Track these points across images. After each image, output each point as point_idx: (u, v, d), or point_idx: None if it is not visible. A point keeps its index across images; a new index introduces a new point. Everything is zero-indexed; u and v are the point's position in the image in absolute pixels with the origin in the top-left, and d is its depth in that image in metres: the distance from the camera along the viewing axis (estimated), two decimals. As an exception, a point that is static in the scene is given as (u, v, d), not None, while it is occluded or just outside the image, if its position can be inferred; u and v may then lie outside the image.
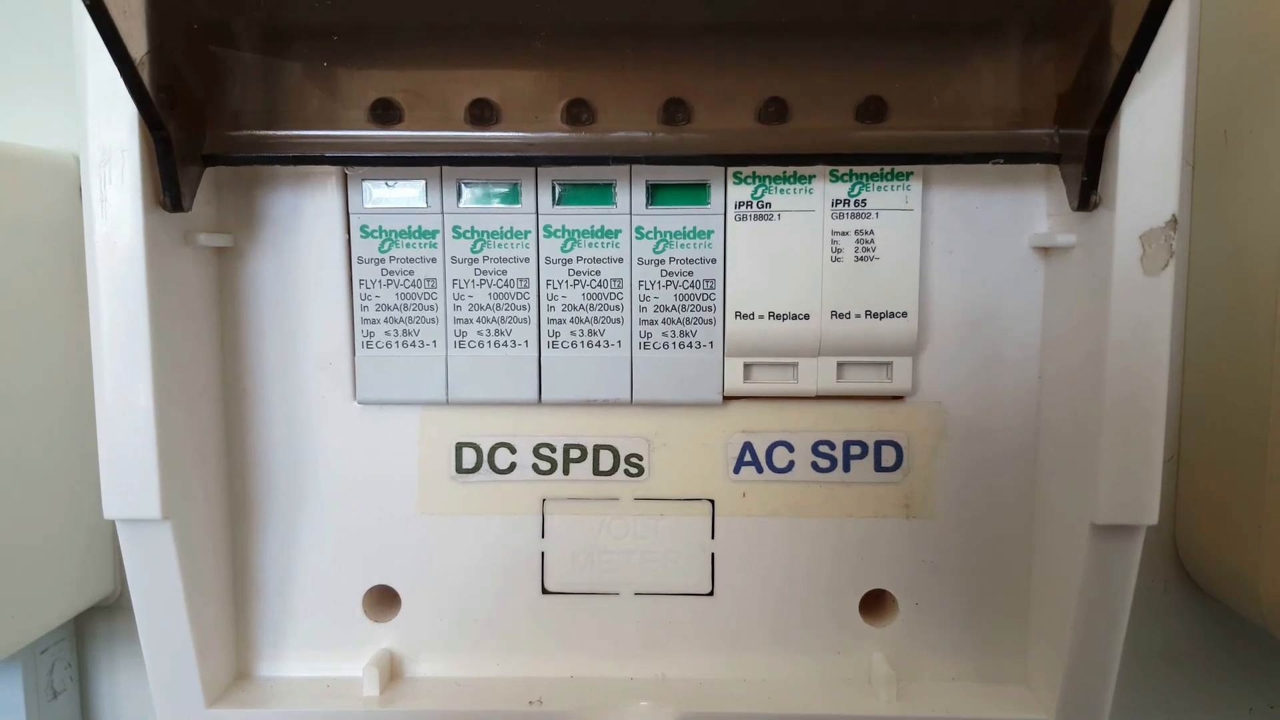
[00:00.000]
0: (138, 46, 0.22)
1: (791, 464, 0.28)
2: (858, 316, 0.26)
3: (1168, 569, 0.40)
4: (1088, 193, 0.23)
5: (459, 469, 0.28)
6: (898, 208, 0.26)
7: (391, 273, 0.27)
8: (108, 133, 0.23)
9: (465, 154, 0.25)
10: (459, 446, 0.28)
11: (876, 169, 0.26)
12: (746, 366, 0.27)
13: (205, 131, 0.25)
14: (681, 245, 0.26)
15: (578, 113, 0.25)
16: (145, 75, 0.22)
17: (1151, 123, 0.23)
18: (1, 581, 0.33)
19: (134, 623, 0.41)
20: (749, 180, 0.26)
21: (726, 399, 0.28)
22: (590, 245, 0.27)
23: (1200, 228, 0.37)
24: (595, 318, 0.27)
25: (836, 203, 0.26)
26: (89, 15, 0.21)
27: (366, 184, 0.26)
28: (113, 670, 0.42)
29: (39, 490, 0.35)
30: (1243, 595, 0.35)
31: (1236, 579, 0.36)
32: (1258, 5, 0.33)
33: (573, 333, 0.27)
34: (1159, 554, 0.40)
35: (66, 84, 0.38)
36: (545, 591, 0.28)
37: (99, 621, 0.42)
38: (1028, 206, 0.26)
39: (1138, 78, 0.22)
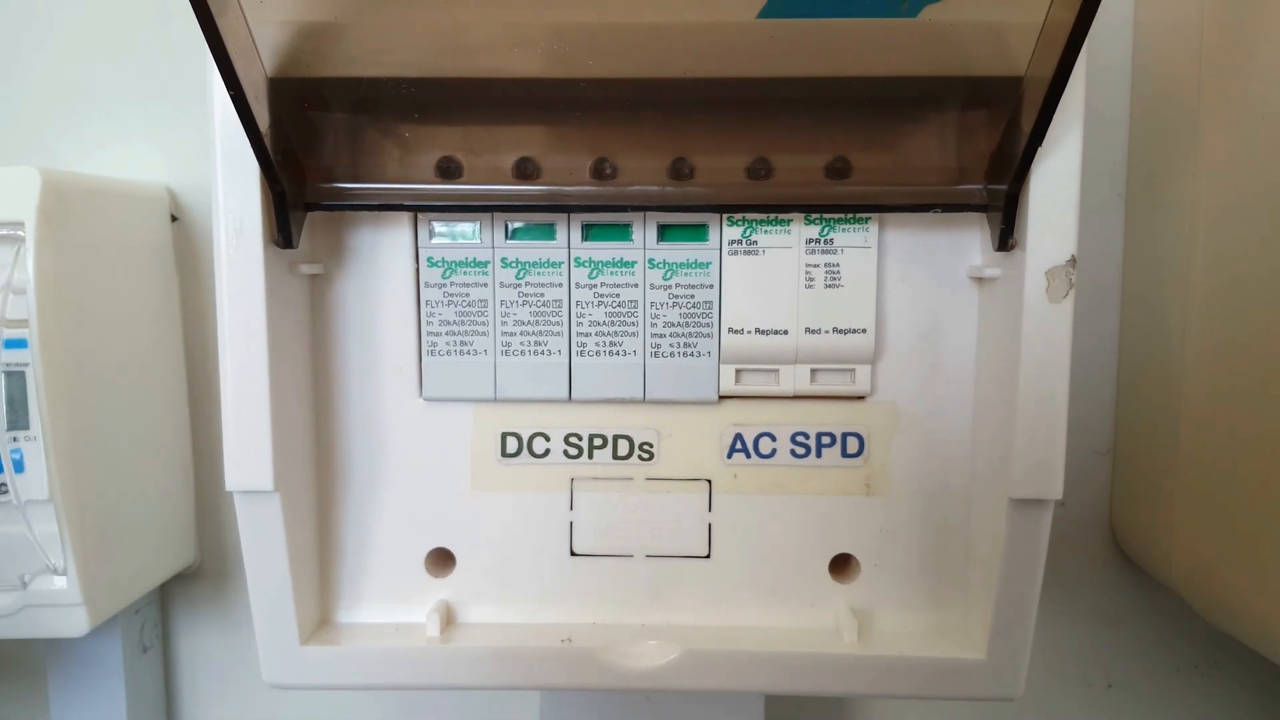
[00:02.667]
0: (263, 122, 0.28)
1: (774, 451, 0.34)
2: (826, 332, 0.32)
3: (1106, 546, 0.46)
4: (1006, 237, 0.29)
5: (504, 454, 0.34)
6: (858, 246, 0.32)
7: (451, 295, 0.33)
8: (237, 188, 0.29)
9: (512, 203, 0.31)
10: (504, 435, 0.34)
11: (841, 215, 0.32)
12: (737, 372, 0.33)
13: (306, 184, 0.31)
14: (685, 274, 0.33)
15: (602, 169, 0.31)
16: (267, 144, 0.29)
17: (1054, 183, 0.29)
18: (110, 556, 0.39)
19: (209, 588, 0.48)
20: (740, 223, 0.32)
21: (721, 398, 0.33)
22: (611, 274, 0.33)
23: (1130, 253, 0.43)
24: (615, 332, 0.33)
25: (809, 241, 0.32)
26: (231, 103, 0.27)
27: (433, 224, 0.33)
28: (192, 629, 0.49)
29: (138, 480, 0.42)
30: (1163, 568, 0.41)
31: (1158, 555, 0.42)
32: (1168, 72, 0.40)
33: (597, 344, 0.33)
34: (1098, 533, 0.46)
35: (157, 127, 0.44)
36: (573, 554, 0.34)
37: (180, 588, 0.48)
38: (964, 245, 0.32)
39: (1041, 149, 0.28)
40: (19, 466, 0.37)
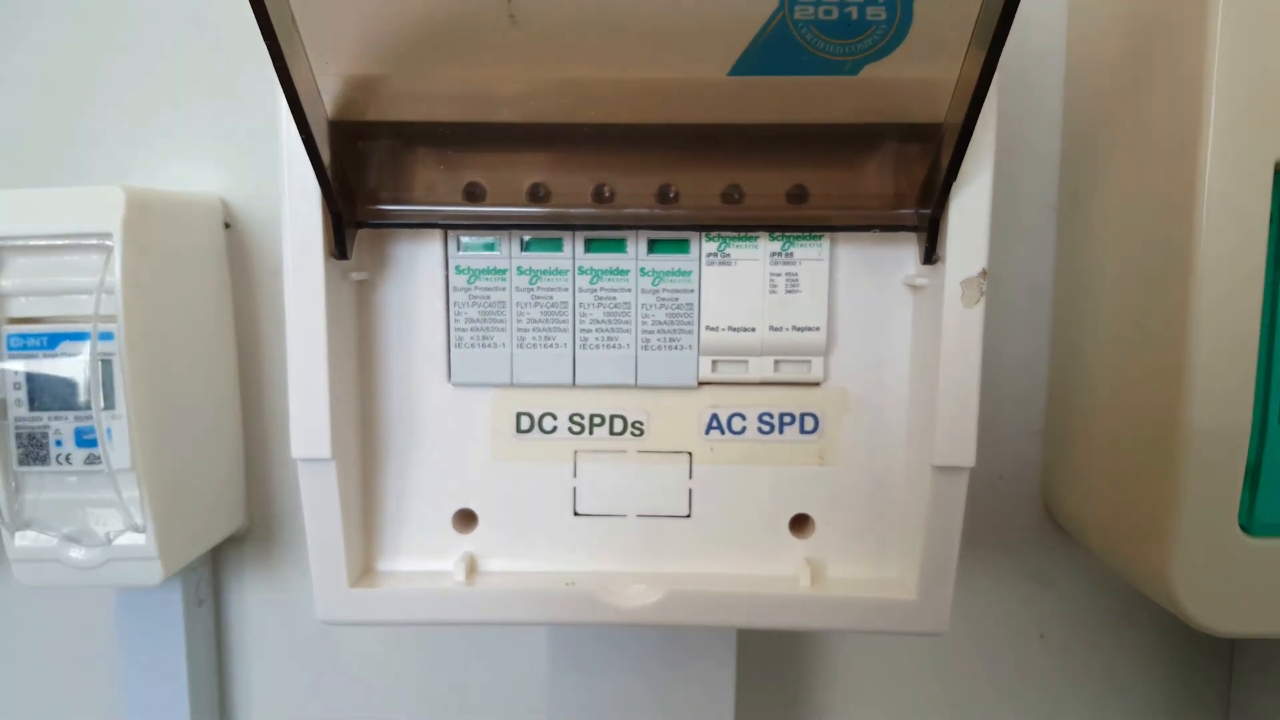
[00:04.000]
0: (325, 156, 0.35)
1: (744, 428, 0.40)
2: (787, 330, 0.39)
3: (1038, 514, 0.52)
4: (930, 252, 0.36)
5: (518, 430, 0.41)
6: (813, 259, 0.38)
7: (475, 297, 0.40)
8: (302, 211, 0.36)
9: (526, 222, 0.38)
10: (518, 414, 0.41)
11: (799, 233, 0.38)
12: (713, 362, 0.40)
13: (357, 206, 0.37)
14: (670, 281, 0.39)
15: (601, 193, 0.38)
16: (328, 174, 0.35)
17: (968, 209, 0.35)
18: (179, 517, 0.46)
19: (255, 550, 0.55)
20: (716, 239, 0.38)
21: (700, 384, 0.40)
22: (609, 280, 0.39)
23: (1060, 261, 0.50)
24: (612, 329, 0.40)
25: (773, 255, 0.38)
26: (302, 144, 0.34)
27: (461, 239, 0.39)
28: (240, 586, 0.55)
29: (199, 453, 0.48)
30: (1082, 533, 0.48)
31: (1079, 521, 0.48)
32: (1089, 108, 0.46)
33: (596, 338, 0.40)
34: (1032, 503, 0.52)
35: (211, 146, 0.50)
36: (576, 514, 0.41)
37: (230, 549, 0.54)
38: (900, 258, 0.38)
39: (957, 181, 0.35)
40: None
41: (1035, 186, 0.49)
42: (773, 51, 0.34)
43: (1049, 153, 0.49)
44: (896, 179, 0.37)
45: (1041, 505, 0.52)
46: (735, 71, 0.34)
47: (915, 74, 0.34)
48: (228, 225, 0.51)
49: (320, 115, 0.35)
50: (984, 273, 0.35)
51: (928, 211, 0.36)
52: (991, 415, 0.50)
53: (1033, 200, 0.49)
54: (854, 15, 0.33)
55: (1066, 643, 0.53)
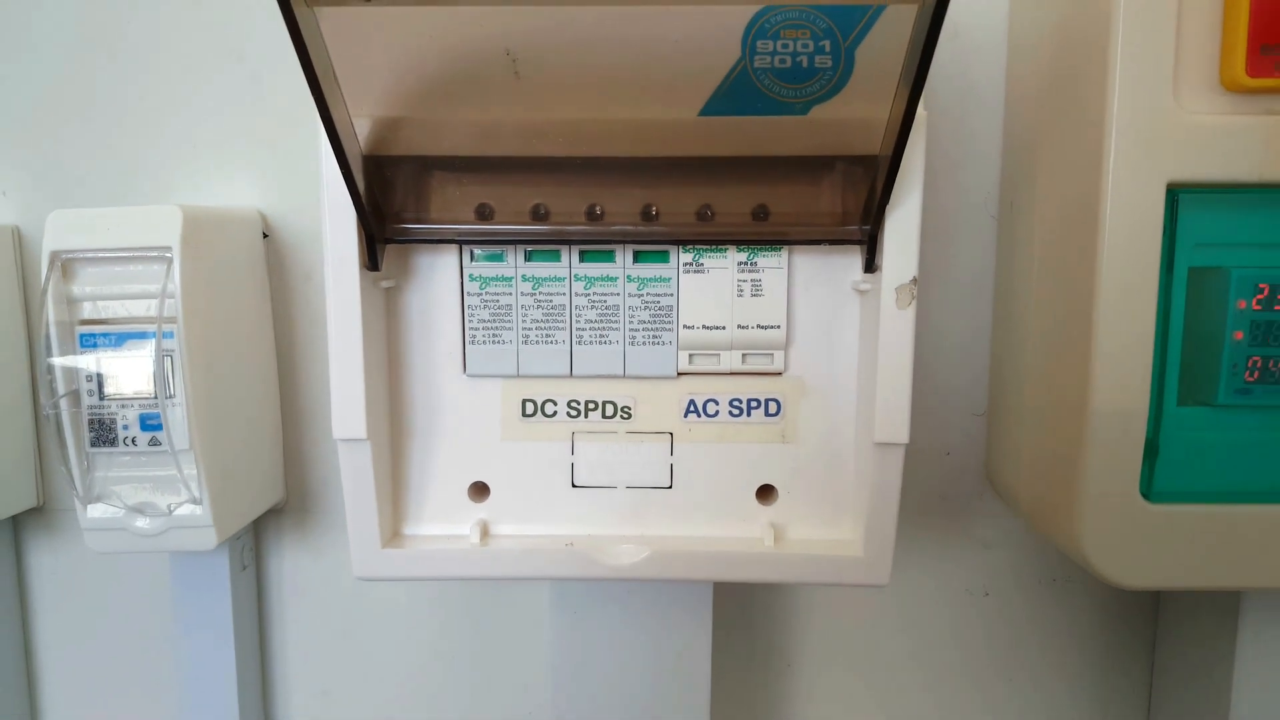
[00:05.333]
0: (360, 185, 0.41)
1: (717, 411, 0.47)
2: (752, 328, 0.45)
3: (982, 486, 0.59)
4: (870, 263, 0.43)
5: (524, 414, 0.47)
6: (774, 267, 0.45)
7: (486, 301, 0.46)
8: (341, 230, 0.42)
9: (529, 238, 0.44)
10: (524, 401, 0.47)
11: (762, 246, 0.45)
12: (690, 356, 0.46)
13: (385, 224, 0.44)
14: (653, 286, 0.46)
15: (594, 213, 0.44)
16: (363, 199, 0.42)
17: (900, 228, 0.41)
18: (229, 491, 0.52)
19: (291, 521, 0.61)
20: (691, 250, 0.45)
21: (679, 374, 0.46)
22: (600, 286, 0.46)
23: (999, 262, 0.56)
24: (603, 327, 0.46)
25: (740, 264, 0.45)
26: (340, 174, 0.40)
27: (473, 251, 0.46)
28: (279, 552, 0.62)
29: (245, 435, 0.55)
30: (1015, 502, 0.55)
31: (1014, 491, 0.55)
32: (1023, 126, 0.52)
33: (590, 336, 0.46)
34: (976, 477, 0.59)
35: (250, 165, 0.57)
36: (574, 486, 0.47)
37: (270, 520, 0.61)
38: (849, 266, 0.45)
39: (890, 203, 0.41)
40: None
41: (980, 197, 0.55)
42: (736, 95, 0.40)
43: (993, 168, 0.55)
44: (843, 200, 0.43)
45: (985, 478, 0.59)
46: (705, 112, 0.41)
47: (856, 114, 0.40)
48: (266, 235, 0.57)
49: (355, 150, 0.41)
50: (914, 280, 0.42)
51: (868, 228, 0.42)
52: (942, 399, 0.57)
53: (978, 209, 0.56)
54: (804, 64, 0.39)
55: (1008, 598, 0.60)
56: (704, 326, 0.45)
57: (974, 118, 0.55)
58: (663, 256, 0.45)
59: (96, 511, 0.51)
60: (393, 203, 0.44)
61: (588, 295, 0.46)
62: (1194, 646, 0.57)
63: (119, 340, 0.50)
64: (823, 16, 0.38)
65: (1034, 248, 0.51)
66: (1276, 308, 0.44)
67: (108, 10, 0.55)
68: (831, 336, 0.46)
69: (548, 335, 0.46)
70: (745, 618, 0.61)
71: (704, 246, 0.45)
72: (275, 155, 0.56)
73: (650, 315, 0.46)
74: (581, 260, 0.45)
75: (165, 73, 0.56)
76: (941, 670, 0.61)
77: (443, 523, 0.47)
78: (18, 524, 0.62)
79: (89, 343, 0.50)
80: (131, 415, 0.50)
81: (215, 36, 0.55)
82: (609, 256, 0.45)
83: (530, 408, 0.47)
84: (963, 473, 0.58)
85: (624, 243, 0.45)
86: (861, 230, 0.43)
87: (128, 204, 0.55)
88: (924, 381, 0.57)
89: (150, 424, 0.50)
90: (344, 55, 0.37)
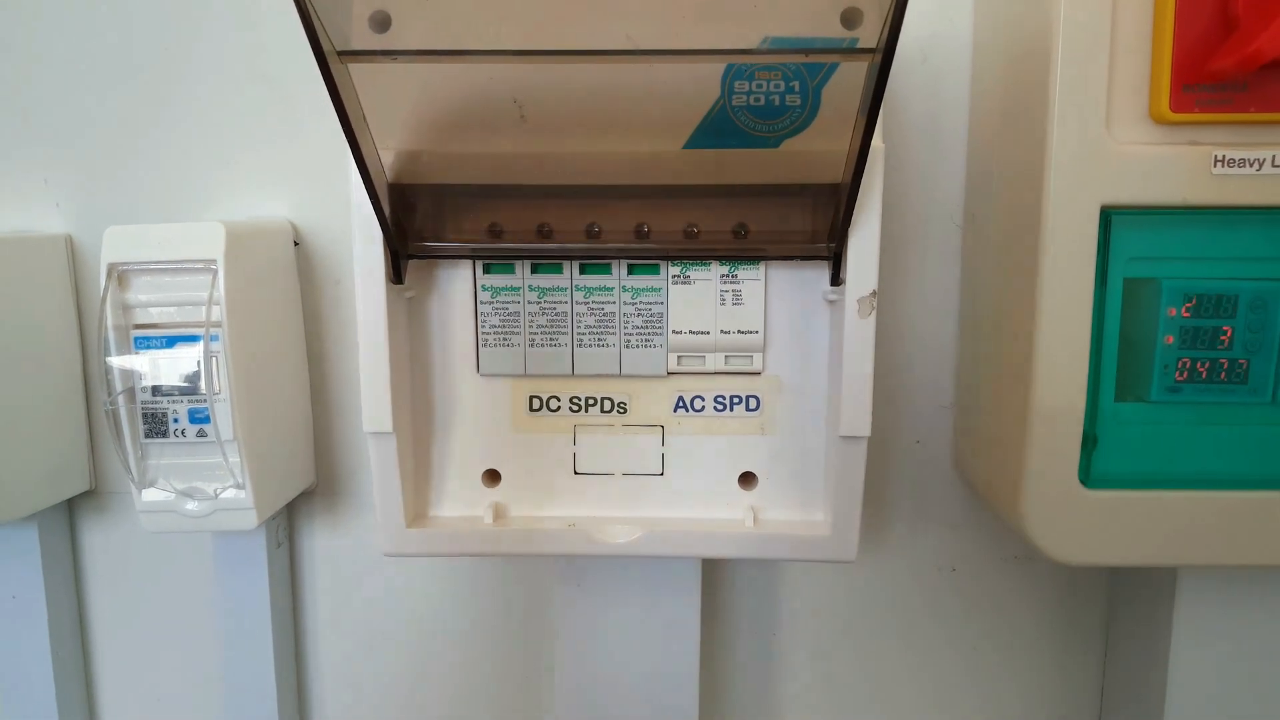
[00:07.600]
0: (386, 209, 0.47)
1: (703, 407, 0.53)
2: (734, 333, 0.51)
3: (949, 472, 0.64)
4: (835, 277, 0.48)
5: (531, 409, 0.53)
6: (753, 279, 0.50)
7: (497, 309, 0.52)
8: (369, 248, 0.48)
9: (535, 253, 0.50)
10: (531, 397, 0.53)
11: (742, 260, 0.50)
12: (678, 357, 0.51)
13: (408, 242, 0.50)
14: (645, 296, 0.51)
15: (593, 231, 0.50)
16: (388, 221, 0.47)
17: (861, 245, 0.46)
18: (268, 477, 0.58)
19: (321, 504, 0.67)
20: (679, 264, 0.50)
21: (669, 374, 0.51)
22: (599, 295, 0.51)
23: (964, 268, 0.62)
24: (601, 332, 0.52)
25: (722, 276, 0.50)
26: (369, 200, 0.46)
27: (486, 265, 0.51)
28: (311, 532, 0.67)
29: (281, 426, 0.61)
30: (976, 485, 0.60)
31: (976, 476, 0.61)
32: (984, 144, 0.57)
33: (589, 339, 0.52)
34: (944, 463, 0.64)
35: (281, 179, 0.62)
36: (576, 473, 0.53)
37: (302, 502, 0.67)
38: (820, 278, 0.50)
39: (851, 225, 0.46)
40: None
41: (948, 208, 0.61)
42: (716, 130, 0.45)
43: (959, 181, 0.60)
44: (813, 221, 0.48)
45: (952, 464, 0.64)
46: (689, 145, 0.46)
47: (822, 146, 0.46)
48: (296, 243, 0.63)
49: (382, 179, 0.47)
50: (874, 293, 0.47)
51: (834, 245, 0.47)
52: (913, 392, 0.63)
53: (946, 219, 0.61)
54: (777, 102, 0.45)
55: (973, 575, 0.65)
56: (691, 331, 0.51)
57: (944, 134, 0.60)
58: (654, 269, 0.51)
59: (151, 495, 0.57)
60: (414, 223, 0.49)
61: (587, 304, 0.51)
62: (1140, 617, 0.62)
63: (169, 342, 0.56)
64: (793, 61, 0.43)
65: (990, 256, 0.56)
66: (1203, 315, 0.49)
67: (154, 39, 0.61)
68: (804, 340, 0.51)
69: (552, 339, 0.52)
70: (732, 592, 0.67)
71: (690, 261, 0.50)
72: (304, 169, 0.62)
73: (643, 321, 0.51)
74: (581, 273, 0.51)
75: (205, 97, 0.61)
76: (913, 637, 0.67)
77: (460, 505, 0.53)
78: (72, 506, 0.68)
79: (143, 345, 0.56)
80: (181, 409, 0.56)
81: (250, 64, 0.60)
82: (606, 269, 0.51)
83: (536, 403, 0.53)
84: (932, 459, 0.64)
85: (619, 258, 0.50)
86: (829, 248, 0.48)
87: (170, 214, 0.61)
88: (897, 375, 0.62)
89: (198, 417, 0.56)
90: (372, 99, 0.43)
